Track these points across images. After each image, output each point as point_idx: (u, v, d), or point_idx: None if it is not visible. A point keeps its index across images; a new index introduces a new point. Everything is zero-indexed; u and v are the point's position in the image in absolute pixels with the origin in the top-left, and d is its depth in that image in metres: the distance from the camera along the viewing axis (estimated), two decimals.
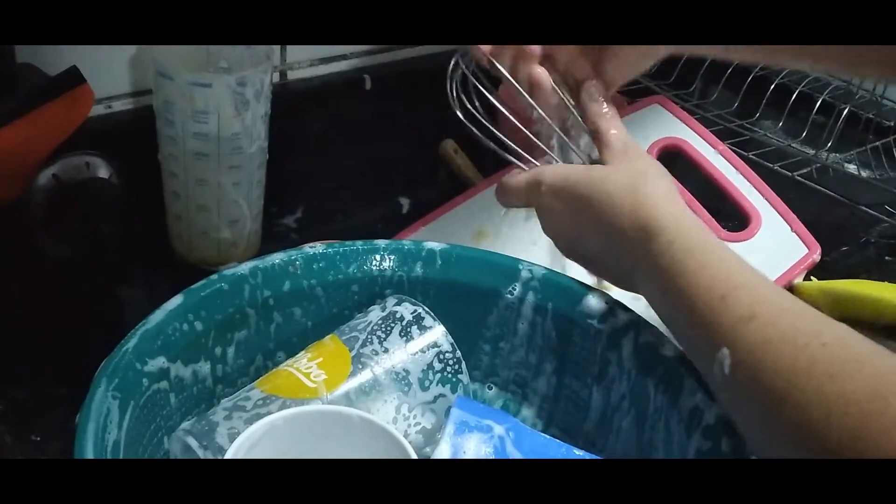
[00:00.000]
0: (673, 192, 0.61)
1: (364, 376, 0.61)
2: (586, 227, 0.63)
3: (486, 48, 0.66)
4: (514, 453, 0.58)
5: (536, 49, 0.66)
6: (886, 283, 0.82)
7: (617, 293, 0.66)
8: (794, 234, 0.86)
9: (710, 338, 0.53)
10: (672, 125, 0.94)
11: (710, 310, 0.54)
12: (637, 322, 0.63)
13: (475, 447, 0.58)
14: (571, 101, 0.68)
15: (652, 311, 0.64)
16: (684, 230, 0.58)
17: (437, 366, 0.62)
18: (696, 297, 0.55)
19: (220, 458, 0.55)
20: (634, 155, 0.64)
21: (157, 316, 0.58)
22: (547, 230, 0.67)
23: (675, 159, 0.91)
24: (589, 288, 0.66)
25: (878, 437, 0.44)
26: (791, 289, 0.84)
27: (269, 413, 0.55)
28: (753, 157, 1.02)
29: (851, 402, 0.45)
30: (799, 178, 1.03)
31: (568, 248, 0.67)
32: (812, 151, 1.06)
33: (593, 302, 0.65)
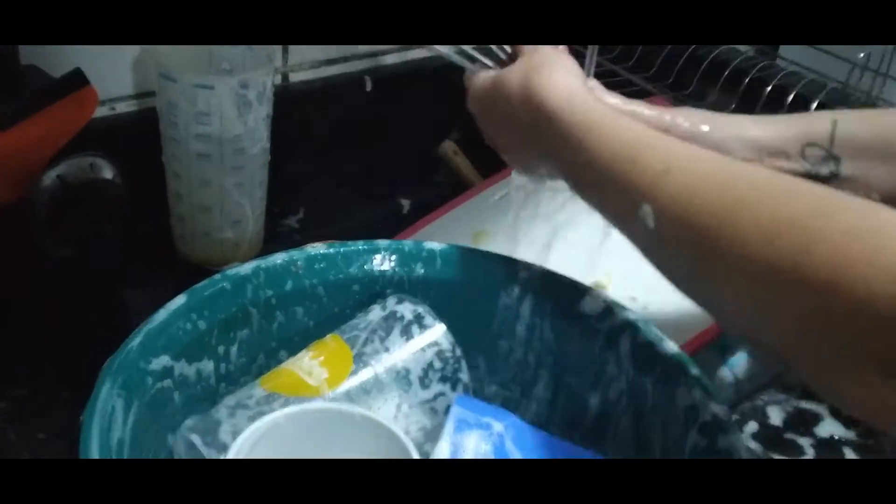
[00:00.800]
0: (568, 77, 0.61)
1: (365, 375, 0.61)
2: (497, 125, 0.65)
3: None
4: (513, 451, 0.59)
5: None
6: None
7: (614, 293, 0.66)
8: None
9: (629, 199, 0.53)
10: None
11: (623, 174, 0.54)
12: (635, 321, 0.63)
13: (475, 445, 0.58)
14: None
15: (651, 312, 0.65)
16: (579, 110, 0.58)
17: (438, 364, 0.63)
18: (607, 167, 0.55)
19: (223, 455, 0.55)
20: (537, 51, 0.64)
21: (161, 315, 0.59)
22: (484, 130, 0.68)
23: None
24: (587, 288, 0.66)
25: (827, 247, 0.43)
26: None
27: (272, 411, 0.56)
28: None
29: (793, 222, 0.45)
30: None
31: (495, 146, 0.67)
32: None
33: (591, 301, 0.65)
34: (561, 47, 0.65)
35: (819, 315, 0.43)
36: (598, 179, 0.56)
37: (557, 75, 0.61)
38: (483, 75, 0.66)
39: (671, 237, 0.51)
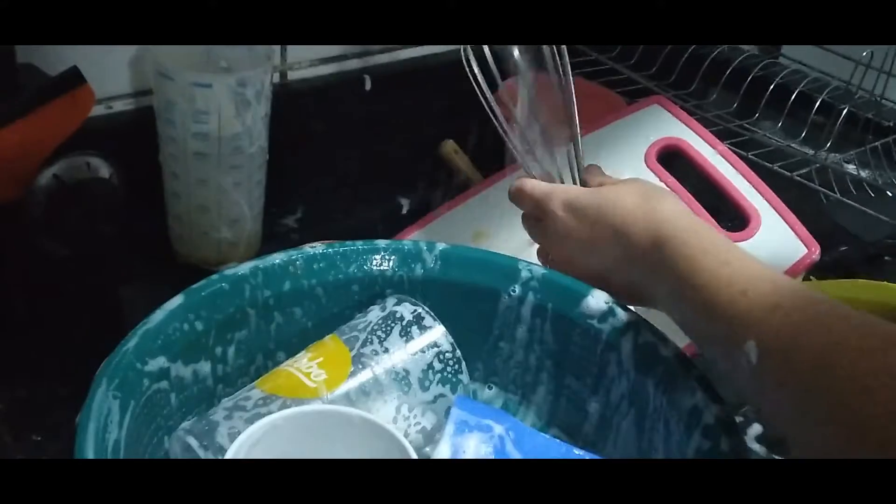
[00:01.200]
0: (681, 204, 0.64)
1: (364, 376, 0.61)
2: (599, 241, 0.65)
3: None
4: (513, 453, 0.58)
5: None
6: (885, 283, 0.82)
7: None
8: (793, 233, 0.86)
9: (735, 332, 0.54)
10: (672, 125, 0.94)
11: (732, 304, 0.55)
12: (636, 322, 0.63)
13: (475, 447, 0.58)
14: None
15: (651, 313, 0.64)
16: (696, 233, 0.59)
17: (437, 366, 0.62)
18: (717, 294, 0.56)
19: (220, 457, 0.55)
20: (632, 180, 0.67)
21: (158, 316, 0.58)
22: (552, 245, 0.70)
23: (674, 159, 0.91)
24: (588, 288, 0.66)
25: None
26: None
27: (270, 413, 0.55)
28: (753, 158, 1.02)
29: (893, 375, 0.45)
30: (798, 178, 1.03)
31: (574, 265, 0.68)
32: (811, 152, 1.06)
33: (593, 302, 0.65)
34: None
35: None
36: (709, 305, 0.56)
37: (672, 199, 0.64)
38: (573, 188, 0.69)
39: (771, 378, 0.52)
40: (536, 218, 0.70)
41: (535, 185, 0.69)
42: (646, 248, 0.61)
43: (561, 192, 0.68)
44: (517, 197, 0.71)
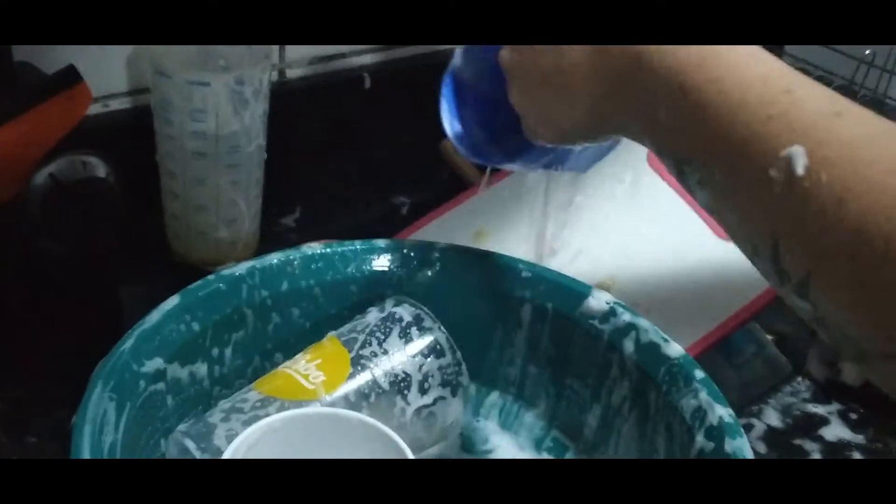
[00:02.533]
0: None
1: (363, 378, 0.60)
2: (545, 84, 0.55)
3: None
4: None
5: None
6: None
7: (617, 297, 0.65)
8: None
9: (767, 138, 0.42)
10: None
11: (768, 104, 0.43)
12: (638, 322, 0.63)
13: None
14: None
15: (656, 315, 0.64)
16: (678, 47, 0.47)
17: (437, 368, 0.62)
18: (738, 102, 0.44)
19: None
20: None
21: (154, 316, 0.58)
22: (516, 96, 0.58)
23: None
24: (590, 288, 0.65)
25: None
26: None
27: (267, 415, 0.55)
28: None
29: None
30: None
31: (534, 114, 0.58)
32: None
33: (594, 302, 0.64)
34: None
35: None
36: (720, 121, 0.44)
37: None
38: None
39: (828, 196, 0.40)
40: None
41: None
42: (608, 79, 0.50)
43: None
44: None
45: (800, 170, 0.41)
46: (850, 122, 0.41)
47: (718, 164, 0.45)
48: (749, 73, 0.45)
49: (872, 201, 0.39)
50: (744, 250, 0.46)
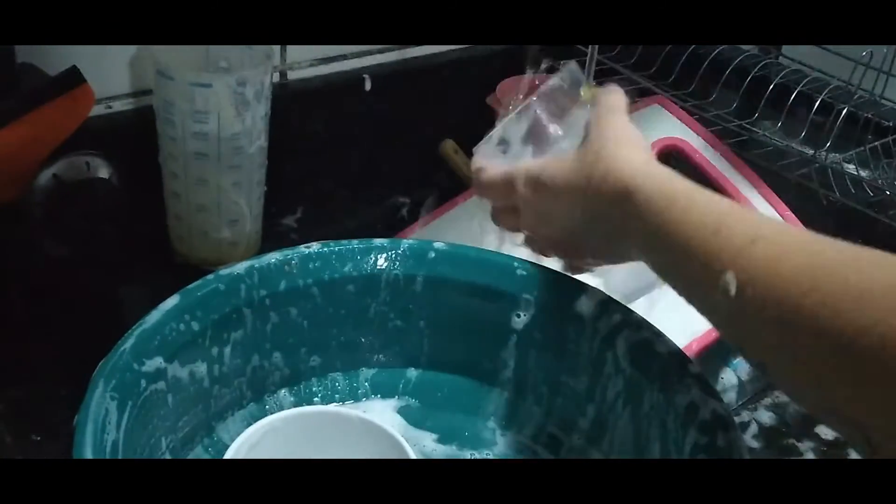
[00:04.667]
0: (638, 149, 0.61)
1: None
2: (566, 208, 0.62)
3: None
4: None
5: None
6: None
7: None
8: None
9: (711, 268, 0.52)
10: (672, 125, 0.94)
11: (705, 246, 0.53)
12: (632, 319, 0.63)
13: None
14: None
15: (654, 315, 0.64)
16: (658, 182, 0.58)
17: None
18: (690, 238, 0.54)
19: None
20: (593, 134, 0.63)
21: (154, 316, 0.58)
22: (527, 223, 0.66)
23: (675, 159, 0.91)
24: (585, 285, 0.66)
25: None
26: None
27: None
28: (752, 158, 1.02)
29: (885, 289, 0.43)
30: (798, 178, 1.03)
31: (549, 239, 0.66)
32: (811, 151, 1.06)
33: (588, 300, 0.65)
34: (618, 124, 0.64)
35: None
36: (683, 250, 0.54)
37: (633, 151, 0.60)
38: (533, 162, 0.66)
39: (754, 304, 0.49)
40: (505, 206, 0.67)
41: (490, 171, 0.67)
42: (612, 203, 0.59)
43: (522, 167, 0.65)
44: (481, 190, 0.68)
45: (733, 290, 0.50)
46: (762, 247, 0.50)
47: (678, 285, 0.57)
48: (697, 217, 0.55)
49: (789, 305, 0.47)
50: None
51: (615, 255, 0.63)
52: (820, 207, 1.01)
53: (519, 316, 0.67)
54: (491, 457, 0.67)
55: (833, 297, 0.45)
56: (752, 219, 0.54)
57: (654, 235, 0.57)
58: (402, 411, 0.69)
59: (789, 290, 0.47)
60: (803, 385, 0.49)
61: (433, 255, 0.68)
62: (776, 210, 0.88)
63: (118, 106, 0.89)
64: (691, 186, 0.57)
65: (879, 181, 1.06)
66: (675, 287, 0.58)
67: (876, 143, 1.09)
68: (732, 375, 0.78)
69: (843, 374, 0.45)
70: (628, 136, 0.62)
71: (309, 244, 0.66)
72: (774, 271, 0.49)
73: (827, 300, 0.45)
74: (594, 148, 0.61)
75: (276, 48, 0.96)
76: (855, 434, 0.46)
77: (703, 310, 0.55)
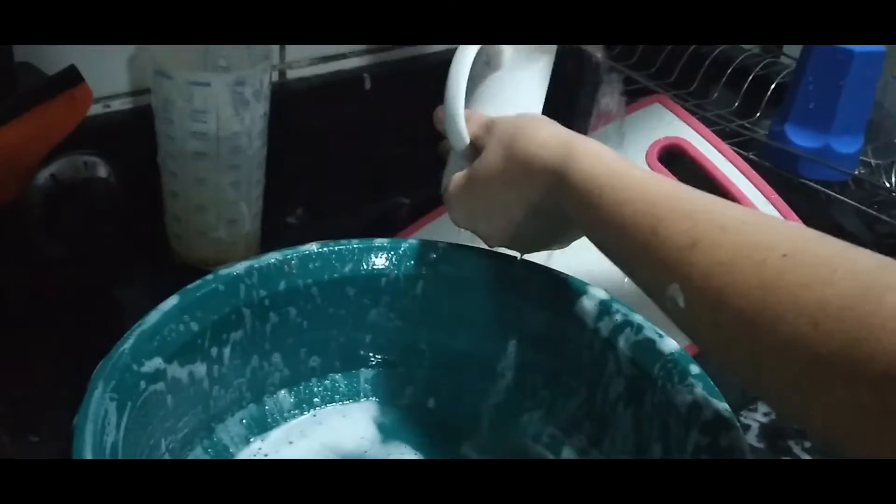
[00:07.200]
0: (554, 129, 0.60)
1: None
2: (500, 210, 0.63)
3: None
4: None
5: None
6: None
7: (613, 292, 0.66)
8: None
9: (656, 275, 0.50)
10: (673, 125, 0.93)
11: (645, 249, 0.51)
12: (634, 319, 0.63)
13: None
14: None
15: (655, 315, 0.64)
16: (582, 165, 0.55)
17: None
18: (628, 240, 0.52)
19: None
20: (497, 128, 0.63)
21: (153, 317, 0.58)
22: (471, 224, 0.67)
23: (675, 159, 0.91)
24: (586, 285, 0.65)
25: (882, 335, 0.40)
26: None
27: None
28: (753, 157, 1.02)
29: (842, 307, 0.42)
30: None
31: (497, 238, 0.66)
32: None
33: (590, 299, 0.64)
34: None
35: (876, 411, 0.40)
36: (625, 252, 0.53)
37: (541, 132, 0.59)
38: (459, 174, 0.66)
39: (706, 319, 0.48)
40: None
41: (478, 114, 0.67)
42: (545, 189, 0.58)
43: (451, 182, 0.66)
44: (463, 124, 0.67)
45: (681, 302, 0.49)
46: (702, 251, 0.48)
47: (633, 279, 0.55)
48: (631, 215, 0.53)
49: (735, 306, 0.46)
50: None
51: (572, 238, 0.62)
52: (821, 207, 1.01)
53: (520, 316, 0.67)
54: (491, 457, 0.67)
55: (786, 320, 0.44)
56: (691, 210, 0.51)
57: (594, 234, 0.55)
58: (402, 411, 0.69)
59: (738, 308, 0.46)
60: (770, 398, 0.49)
61: (433, 255, 0.68)
62: (778, 209, 0.88)
63: (116, 105, 0.89)
64: (622, 169, 0.55)
65: (881, 180, 1.06)
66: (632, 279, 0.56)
67: (877, 143, 1.09)
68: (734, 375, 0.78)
69: (808, 396, 0.44)
70: (538, 120, 0.62)
71: (308, 244, 0.66)
72: (720, 286, 0.47)
73: (779, 322, 0.44)
74: (504, 144, 0.61)
75: (275, 47, 0.96)
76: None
77: (659, 306, 0.53)
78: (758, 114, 1.10)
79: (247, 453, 0.65)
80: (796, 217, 0.87)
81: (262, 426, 0.66)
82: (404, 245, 0.68)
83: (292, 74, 0.99)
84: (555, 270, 0.67)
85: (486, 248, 0.69)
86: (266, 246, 0.89)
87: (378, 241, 0.67)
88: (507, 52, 0.69)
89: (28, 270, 0.80)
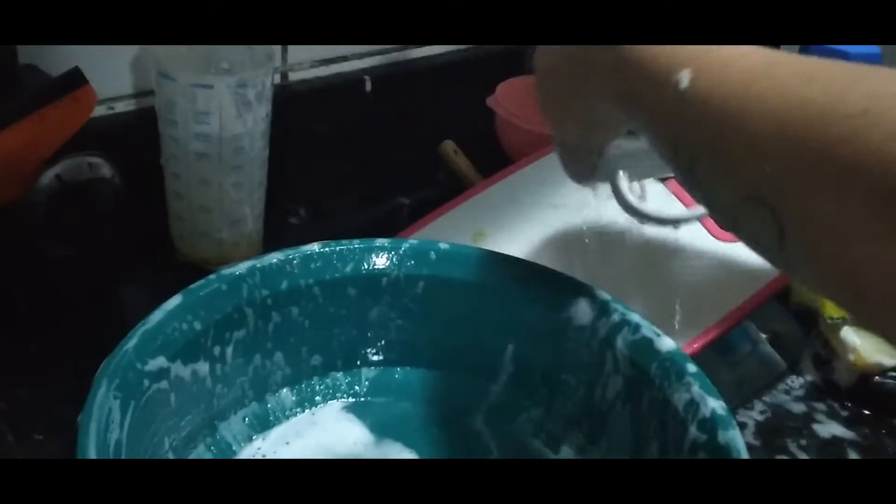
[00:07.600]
0: None
1: None
2: (564, 91, 0.61)
3: None
4: None
5: None
6: None
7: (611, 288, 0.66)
8: None
9: (670, 62, 0.51)
10: None
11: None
12: (632, 318, 0.63)
13: None
14: None
15: (652, 314, 0.64)
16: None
17: None
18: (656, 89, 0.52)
19: None
20: None
21: (157, 316, 0.58)
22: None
23: None
24: (585, 285, 0.66)
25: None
26: (789, 289, 0.84)
27: None
28: None
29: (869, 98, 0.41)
30: None
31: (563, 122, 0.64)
32: None
33: (588, 299, 0.65)
34: None
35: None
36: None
37: None
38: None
39: (703, 99, 0.48)
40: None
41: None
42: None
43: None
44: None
45: (685, 83, 0.49)
46: (726, 49, 0.49)
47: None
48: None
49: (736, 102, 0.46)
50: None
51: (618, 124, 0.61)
52: None
53: (519, 315, 0.67)
54: (490, 456, 0.67)
55: (783, 81, 0.44)
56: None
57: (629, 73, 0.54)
58: (403, 410, 0.70)
59: (746, 90, 0.45)
60: (725, 175, 0.47)
61: (434, 255, 0.68)
62: None
63: (120, 107, 0.90)
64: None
65: None
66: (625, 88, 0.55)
67: None
68: (731, 375, 0.78)
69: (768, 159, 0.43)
70: None
71: (310, 244, 0.66)
72: (729, 67, 0.47)
73: (776, 83, 0.44)
74: None
75: (278, 50, 0.96)
76: (768, 220, 0.44)
77: (649, 108, 0.53)
78: None
79: (248, 451, 0.65)
80: None
81: (264, 424, 0.66)
82: (405, 245, 0.68)
83: (294, 77, 1.00)
84: (554, 270, 0.68)
85: (486, 248, 0.70)
86: (268, 246, 0.89)
87: (379, 242, 0.68)
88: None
89: (32, 270, 0.80)
